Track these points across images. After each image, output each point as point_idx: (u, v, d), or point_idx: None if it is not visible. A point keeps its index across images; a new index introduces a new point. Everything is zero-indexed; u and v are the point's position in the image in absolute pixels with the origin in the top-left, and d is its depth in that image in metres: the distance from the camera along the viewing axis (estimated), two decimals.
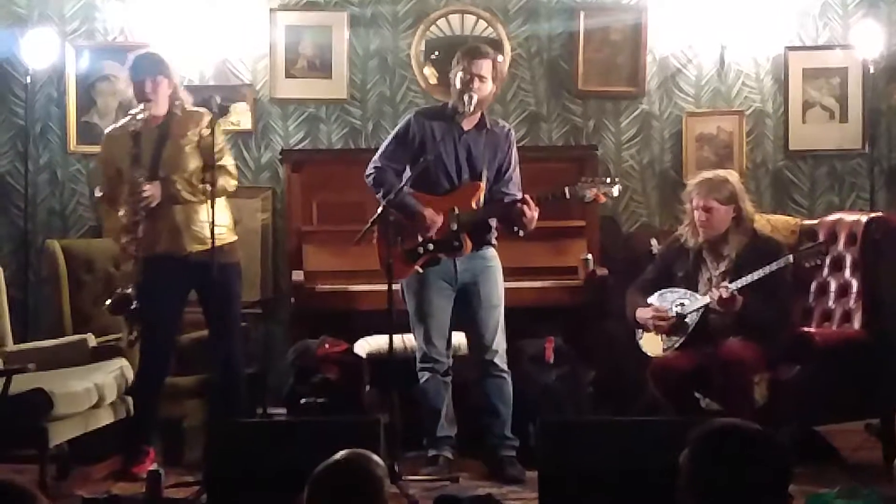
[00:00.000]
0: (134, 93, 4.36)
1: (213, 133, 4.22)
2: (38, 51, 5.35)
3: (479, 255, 4.34)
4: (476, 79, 4.21)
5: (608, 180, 4.31)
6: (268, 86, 5.47)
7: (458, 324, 4.39)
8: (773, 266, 4.16)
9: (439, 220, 4.23)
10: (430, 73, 5.50)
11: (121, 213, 4.34)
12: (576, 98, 5.53)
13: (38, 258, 5.36)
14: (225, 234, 4.39)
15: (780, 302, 4.26)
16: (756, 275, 4.15)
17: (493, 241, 4.40)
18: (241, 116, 5.39)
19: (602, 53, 5.46)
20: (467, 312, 4.35)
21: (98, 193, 4.62)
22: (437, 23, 5.49)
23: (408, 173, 4.24)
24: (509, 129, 4.42)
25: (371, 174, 4.31)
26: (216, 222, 4.18)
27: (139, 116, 4.32)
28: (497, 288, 4.36)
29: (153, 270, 4.29)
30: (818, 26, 5.51)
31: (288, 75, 5.45)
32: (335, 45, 5.43)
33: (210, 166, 4.22)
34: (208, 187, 4.20)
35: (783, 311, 4.29)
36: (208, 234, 4.20)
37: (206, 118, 4.33)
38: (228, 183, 4.42)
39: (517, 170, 4.38)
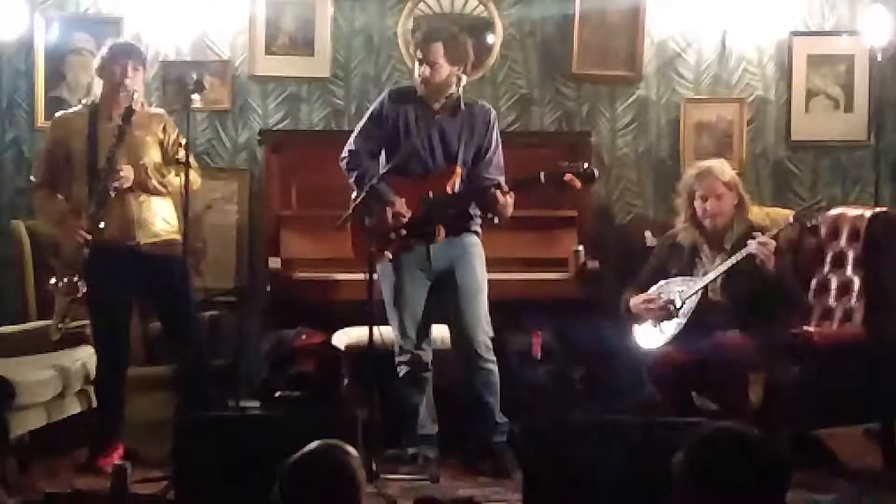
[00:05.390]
0: (105, 72, 4.29)
1: (174, 133, 4.34)
2: (6, 21, 5.22)
3: (457, 242, 4.25)
4: (426, 64, 4.14)
5: (585, 165, 4.19)
6: (247, 62, 5.38)
7: (439, 315, 4.30)
8: (775, 229, 4.16)
9: (408, 212, 4.14)
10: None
11: (60, 197, 4.32)
12: (569, 82, 5.44)
13: (2, 239, 5.23)
14: (173, 230, 4.38)
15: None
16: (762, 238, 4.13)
17: (476, 229, 4.30)
18: (218, 94, 5.31)
19: (598, 35, 5.38)
20: (446, 301, 4.26)
21: (35, 179, 4.48)
22: None
23: (384, 157, 4.19)
24: (489, 110, 4.33)
25: (345, 158, 4.28)
26: (165, 218, 4.32)
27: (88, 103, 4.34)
28: (476, 271, 4.26)
29: (102, 259, 4.22)
30: (825, 11, 5.43)
31: (268, 52, 5.36)
32: (318, 21, 5.34)
33: (173, 162, 4.29)
34: (170, 181, 4.28)
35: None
36: (159, 228, 4.31)
37: (167, 121, 4.39)
38: (195, 181, 4.36)
39: (499, 153, 4.29)
